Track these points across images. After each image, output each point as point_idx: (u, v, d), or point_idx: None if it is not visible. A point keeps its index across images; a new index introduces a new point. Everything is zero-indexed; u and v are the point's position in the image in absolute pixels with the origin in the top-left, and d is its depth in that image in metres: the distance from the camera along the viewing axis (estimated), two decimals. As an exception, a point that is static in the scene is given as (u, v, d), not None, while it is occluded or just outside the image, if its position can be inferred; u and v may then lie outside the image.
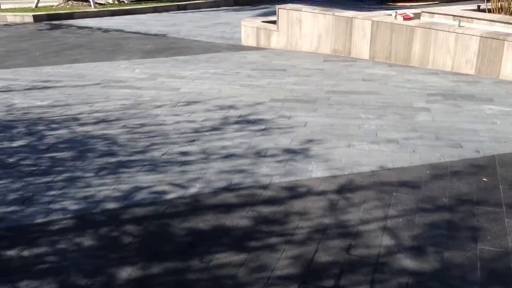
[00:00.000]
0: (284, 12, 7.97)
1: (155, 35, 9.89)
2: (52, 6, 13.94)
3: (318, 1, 15.34)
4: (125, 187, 3.23)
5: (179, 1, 14.67)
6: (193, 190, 3.19)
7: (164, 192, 3.16)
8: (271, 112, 4.78)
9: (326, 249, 2.56)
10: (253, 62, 7.19)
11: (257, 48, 8.33)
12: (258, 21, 8.86)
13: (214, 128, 4.35)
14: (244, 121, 4.52)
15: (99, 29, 10.75)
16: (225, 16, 12.90)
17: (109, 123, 4.49)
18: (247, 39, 8.66)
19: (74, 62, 7.28)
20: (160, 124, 4.46)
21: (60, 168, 3.51)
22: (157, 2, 14.70)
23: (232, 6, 15.07)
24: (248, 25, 8.59)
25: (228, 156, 3.73)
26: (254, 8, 14.63)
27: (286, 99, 5.24)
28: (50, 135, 4.20)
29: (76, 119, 4.62)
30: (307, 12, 7.68)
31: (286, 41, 8.12)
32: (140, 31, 10.43)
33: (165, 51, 8.14)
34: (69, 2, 13.91)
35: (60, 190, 3.18)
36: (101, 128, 4.36)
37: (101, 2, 14.65)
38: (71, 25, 11.34)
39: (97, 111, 4.86)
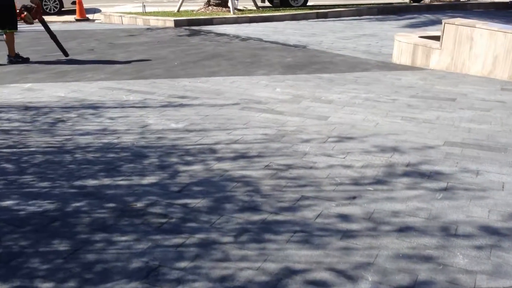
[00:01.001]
0: (451, 28, 6.77)
1: (295, 46, 9.20)
2: (193, 10, 14.01)
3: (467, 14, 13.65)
4: (272, 267, 2.46)
5: (318, 9, 13.92)
6: (364, 285, 2.32)
7: (324, 284, 2.33)
8: (449, 162, 3.74)
9: None
10: (410, 86, 6.12)
11: (412, 68, 7.22)
12: (414, 36, 7.73)
13: (377, 180, 3.43)
14: (416, 173, 3.54)
15: (237, 37, 10.35)
16: (369, 26, 11.85)
17: (250, 161, 3.79)
18: (400, 56, 7.57)
19: (211, 75, 6.81)
20: (310, 167, 3.66)
21: (193, 224, 2.86)
22: (295, 9, 14.10)
23: (375, 15, 13.94)
24: (403, 41, 7.50)
25: (404, 230, 2.80)
26: (399, 18, 13.37)
27: (466, 143, 4.14)
28: (184, 171, 3.60)
29: (213, 151, 3.99)
30: (482, 29, 6.40)
31: (450, 61, 6.91)
32: (278, 40, 9.83)
33: (307, 66, 7.38)
34: (209, 7, 13.85)
35: (192, 261, 2.50)
36: (240, 167, 3.67)
37: (240, 7, 14.43)
38: (209, 31, 11.12)
39: (235, 141, 4.20)
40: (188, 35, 10.69)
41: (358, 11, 13.87)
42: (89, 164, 3.73)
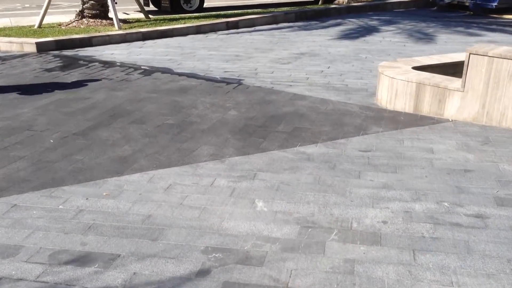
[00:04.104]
0: (481, 60, 4.56)
1: (225, 81, 6.47)
2: (60, 24, 10.47)
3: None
4: None
5: (225, 17, 11.24)
6: None
7: None
8: None
9: None
10: (464, 168, 3.78)
11: (422, 120, 4.92)
12: (407, 68, 5.44)
13: None
14: None
15: (135, 67, 7.31)
16: (297, 39, 9.47)
17: None
18: (394, 99, 5.25)
19: (123, 169, 3.84)
20: None
21: None
22: (198, 19, 11.24)
23: (294, 21, 11.63)
24: (397, 77, 5.17)
25: None
26: (324, 24, 11.20)
27: None
28: None
29: None
30: (539, 65, 4.28)
31: (479, 109, 4.71)
32: (196, 71, 7.01)
33: (268, 127, 4.72)
34: (84, 19, 10.45)
35: None
36: None
37: (123, 17, 11.20)
38: (91, 59, 7.89)
39: None
40: (61, 68, 7.38)
41: (274, 18, 11.44)
42: None
